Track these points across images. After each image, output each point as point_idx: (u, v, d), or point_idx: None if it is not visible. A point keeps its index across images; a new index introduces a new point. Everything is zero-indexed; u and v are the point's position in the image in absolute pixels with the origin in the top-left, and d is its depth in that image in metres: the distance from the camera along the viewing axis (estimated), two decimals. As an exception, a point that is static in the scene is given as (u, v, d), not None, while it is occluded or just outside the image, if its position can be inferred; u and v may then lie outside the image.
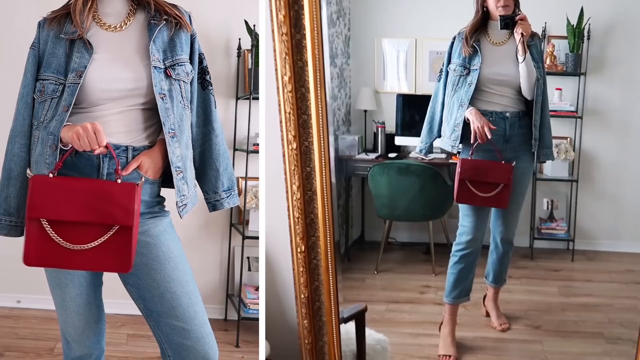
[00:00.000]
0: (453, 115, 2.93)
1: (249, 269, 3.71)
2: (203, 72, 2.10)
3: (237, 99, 3.63)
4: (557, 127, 4.26)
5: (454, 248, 3.02)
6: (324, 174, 1.87)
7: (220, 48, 3.69)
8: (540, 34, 2.99)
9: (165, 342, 1.96)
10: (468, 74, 2.88)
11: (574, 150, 4.25)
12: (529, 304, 3.35)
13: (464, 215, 2.94)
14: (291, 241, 1.89)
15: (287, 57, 1.82)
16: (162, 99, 1.89)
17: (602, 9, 4.21)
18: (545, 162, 3.14)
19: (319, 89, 1.85)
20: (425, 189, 3.63)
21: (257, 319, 3.36)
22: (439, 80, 3.06)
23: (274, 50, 1.83)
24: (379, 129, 4.22)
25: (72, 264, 1.82)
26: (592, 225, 4.36)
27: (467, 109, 2.83)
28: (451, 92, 2.97)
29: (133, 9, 1.95)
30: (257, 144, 3.55)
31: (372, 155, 4.05)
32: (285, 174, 1.88)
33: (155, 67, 1.89)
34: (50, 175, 1.79)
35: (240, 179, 3.63)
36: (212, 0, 3.63)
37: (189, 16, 2.05)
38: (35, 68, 1.95)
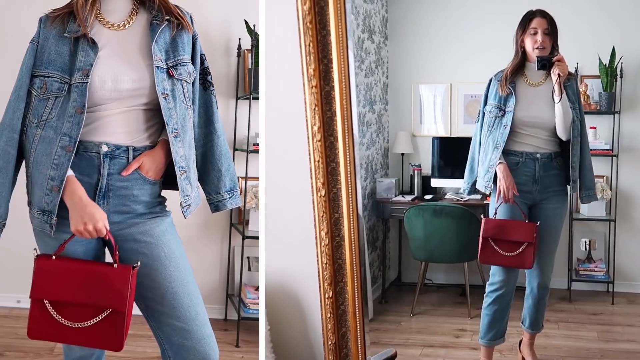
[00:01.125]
0: (488, 156, 2.78)
1: (249, 269, 3.55)
2: (205, 72, 2.02)
3: (237, 99, 3.50)
4: (593, 166, 4.18)
5: (487, 288, 2.91)
6: (351, 220, 1.86)
7: (220, 48, 3.51)
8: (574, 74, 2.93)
9: (165, 343, 1.90)
10: (503, 115, 2.77)
11: (610, 189, 4.15)
12: (566, 350, 3.18)
13: None
14: (320, 287, 1.88)
15: (316, 108, 1.84)
16: (165, 99, 1.83)
17: (634, 48, 4.02)
18: (589, 202, 3.02)
19: (347, 137, 1.86)
20: (460, 230, 3.57)
21: (257, 319, 3.20)
22: (477, 122, 3.00)
23: (305, 102, 1.86)
24: (415, 171, 4.20)
25: (70, 339, 1.84)
26: (632, 265, 4.14)
27: (501, 151, 2.78)
28: (487, 133, 2.81)
29: (136, 8, 1.89)
30: (257, 144, 3.37)
31: (409, 198, 4.03)
32: (314, 220, 1.88)
33: (157, 67, 1.84)
34: (53, 257, 1.80)
35: (240, 179, 3.53)
36: (212, 0, 3.47)
37: (190, 17, 1.97)
38: (31, 62, 1.85)
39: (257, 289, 3.45)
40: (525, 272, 2.89)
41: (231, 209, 3.50)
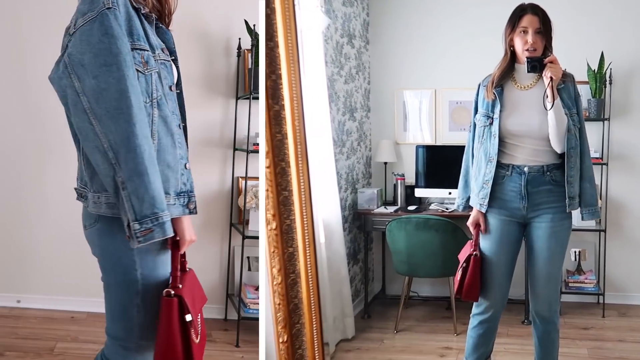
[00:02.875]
0: (481, 171, 2.40)
1: (249, 269, 3.39)
2: None
3: (237, 98, 3.32)
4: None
5: (473, 310, 2.61)
6: (307, 254, 1.59)
7: (220, 48, 3.38)
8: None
9: None
10: (491, 124, 2.35)
11: (600, 198, 3.87)
12: (557, 370, 2.95)
13: (482, 276, 2.55)
14: (274, 330, 1.60)
15: (265, 130, 1.57)
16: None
17: (623, 54, 3.82)
18: (591, 220, 2.58)
19: (300, 162, 1.58)
20: (444, 244, 3.30)
21: (257, 319, 3.08)
22: (469, 132, 2.59)
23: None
24: (399, 181, 3.92)
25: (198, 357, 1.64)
26: (623, 276, 3.91)
27: (495, 164, 2.42)
28: (478, 145, 2.42)
29: None
30: (257, 144, 3.22)
31: (392, 209, 3.74)
32: (265, 256, 1.61)
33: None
34: (180, 286, 1.59)
35: (240, 179, 3.36)
36: (212, 0, 3.36)
37: None
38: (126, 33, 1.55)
39: (257, 289, 3.31)
40: None
41: (231, 209, 3.49)
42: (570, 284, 3.74)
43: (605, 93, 3.73)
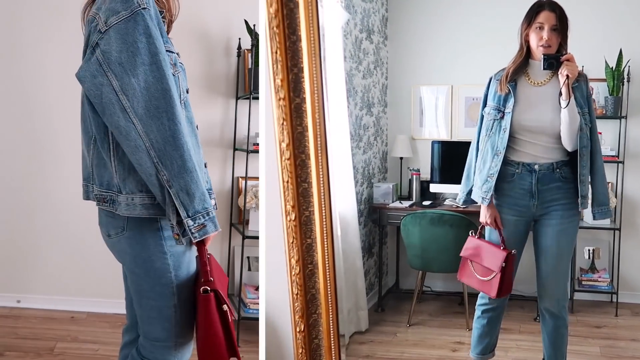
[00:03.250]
0: (487, 164, 2.38)
1: (249, 269, 3.39)
2: None
3: (237, 98, 3.32)
4: (598, 173, 3.87)
5: (478, 301, 2.60)
6: (325, 245, 1.60)
7: (220, 48, 3.36)
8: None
9: None
10: (502, 117, 2.34)
11: (615, 196, 3.85)
12: (568, 367, 2.96)
13: None
14: (291, 319, 1.62)
15: (285, 123, 1.58)
16: None
17: None
18: (603, 219, 2.58)
19: (320, 154, 1.59)
20: (458, 239, 3.29)
21: (257, 319, 3.02)
22: (477, 125, 2.54)
23: (272, 115, 1.59)
24: (414, 176, 3.92)
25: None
26: (637, 275, 3.88)
27: (502, 158, 2.38)
28: (485, 137, 2.41)
29: None
30: (257, 144, 3.21)
31: (406, 204, 3.75)
32: (285, 246, 1.62)
33: None
34: (211, 279, 1.57)
35: (240, 179, 3.38)
36: (212, 0, 3.33)
37: None
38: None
39: (257, 288, 3.33)
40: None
41: (231, 209, 3.48)
42: (583, 282, 3.73)
43: (622, 91, 3.71)
